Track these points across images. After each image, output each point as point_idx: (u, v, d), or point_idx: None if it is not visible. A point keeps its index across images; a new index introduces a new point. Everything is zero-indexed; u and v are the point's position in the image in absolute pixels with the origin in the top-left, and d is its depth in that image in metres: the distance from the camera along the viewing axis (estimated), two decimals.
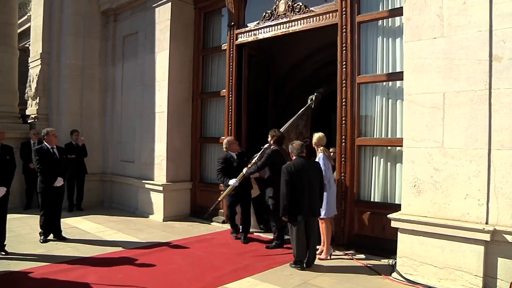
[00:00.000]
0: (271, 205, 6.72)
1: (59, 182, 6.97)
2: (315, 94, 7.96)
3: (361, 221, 6.46)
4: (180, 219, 8.70)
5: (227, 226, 7.91)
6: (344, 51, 6.61)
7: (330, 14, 6.88)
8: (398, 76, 5.93)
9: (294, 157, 5.88)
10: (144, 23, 9.72)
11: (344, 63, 6.60)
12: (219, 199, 7.45)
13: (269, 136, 7.02)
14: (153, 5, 9.41)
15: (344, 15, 6.61)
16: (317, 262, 5.84)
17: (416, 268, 5.06)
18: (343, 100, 6.61)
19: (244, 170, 6.96)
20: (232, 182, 7.02)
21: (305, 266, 5.66)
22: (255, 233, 7.68)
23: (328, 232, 6.18)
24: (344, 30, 6.61)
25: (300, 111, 7.74)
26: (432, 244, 4.94)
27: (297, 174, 5.61)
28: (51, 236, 7.07)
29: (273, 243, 6.83)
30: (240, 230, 7.31)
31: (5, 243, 6.26)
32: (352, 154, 6.53)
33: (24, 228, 7.78)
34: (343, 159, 6.60)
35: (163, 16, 9.17)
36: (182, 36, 9.21)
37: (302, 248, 5.68)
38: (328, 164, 6.19)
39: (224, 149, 7.47)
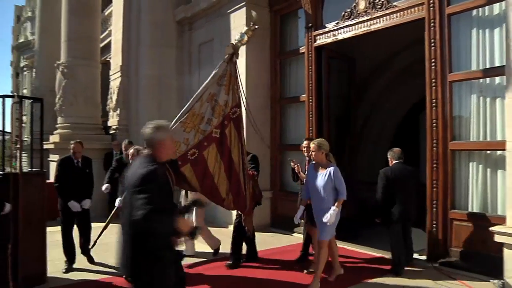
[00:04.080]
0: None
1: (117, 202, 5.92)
2: (240, 37, 5.64)
3: (457, 233, 5.83)
4: (260, 230, 8.37)
5: None
6: (432, 47, 6.07)
7: (416, 8, 6.34)
8: (497, 71, 5.34)
9: (393, 162, 5.86)
10: (220, 30, 9.63)
11: (433, 60, 6.06)
12: (105, 224, 5.94)
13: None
14: (228, 11, 9.29)
15: (431, 8, 6.08)
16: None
17: None
18: (433, 100, 6.05)
19: None
20: (117, 202, 5.43)
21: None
22: None
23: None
24: (432, 24, 6.08)
25: (213, 72, 5.54)
26: None
27: (395, 180, 5.68)
28: None
29: None
30: None
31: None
32: (445, 160, 5.95)
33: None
34: (434, 165, 6.03)
35: (238, 21, 9.00)
36: (258, 41, 8.95)
37: (402, 252, 5.71)
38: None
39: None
